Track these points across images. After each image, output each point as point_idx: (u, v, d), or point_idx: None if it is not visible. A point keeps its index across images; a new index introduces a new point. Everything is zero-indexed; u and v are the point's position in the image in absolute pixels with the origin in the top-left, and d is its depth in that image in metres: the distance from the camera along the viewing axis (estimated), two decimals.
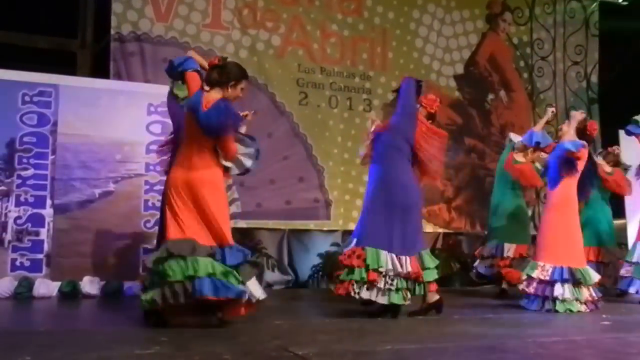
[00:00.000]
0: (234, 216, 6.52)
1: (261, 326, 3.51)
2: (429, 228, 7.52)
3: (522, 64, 8.24)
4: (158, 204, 5.65)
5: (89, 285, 5.33)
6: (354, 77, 7.32)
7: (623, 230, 7.47)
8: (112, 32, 6.30)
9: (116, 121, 5.57)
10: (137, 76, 6.30)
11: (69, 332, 3.34)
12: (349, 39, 7.33)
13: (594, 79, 8.53)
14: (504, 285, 5.58)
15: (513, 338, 3.16)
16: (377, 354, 2.66)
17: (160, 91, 5.77)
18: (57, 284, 5.26)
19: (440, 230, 7.57)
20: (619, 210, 7.21)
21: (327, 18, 7.25)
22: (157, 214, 5.62)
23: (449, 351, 2.62)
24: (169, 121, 5.69)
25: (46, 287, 5.17)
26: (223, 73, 3.55)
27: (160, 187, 5.66)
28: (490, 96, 8.04)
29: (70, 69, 6.60)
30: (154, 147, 5.67)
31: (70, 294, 5.23)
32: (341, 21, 7.30)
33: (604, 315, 4.07)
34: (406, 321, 3.82)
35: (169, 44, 6.52)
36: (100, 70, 6.50)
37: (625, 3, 8.41)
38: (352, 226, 7.12)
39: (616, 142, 7.87)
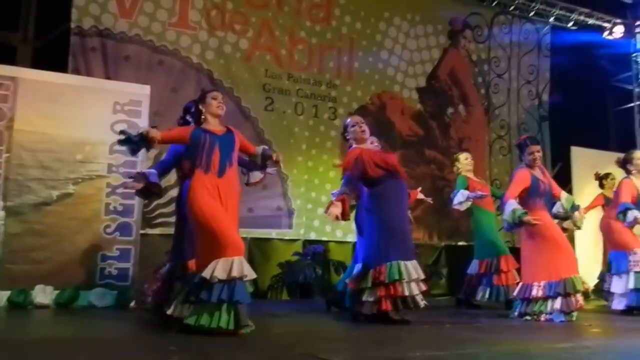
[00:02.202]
0: None
1: (265, 335, 3.36)
2: None
3: (480, 80, 8.50)
4: (120, 208, 5.37)
5: (41, 294, 4.93)
6: (320, 84, 7.28)
7: None
8: (72, 25, 5.97)
9: (79, 119, 5.21)
10: (97, 72, 5.97)
11: (76, 341, 3.11)
12: (317, 46, 7.30)
13: (545, 97, 8.93)
14: None
15: (530, 343, 3.18)
16: None
17: (128, 89, 5.53)
18: (7, 293, 4.83)
19: None
20: None
21: (295, 24, 7.18)
22: (119, 218, 5.35)
23: (482, 356, 2.58)
24: (136, 120, 5.49)
25: None
26: None
27: (123, 190, 5.38)
28: (450, 110, 8.22)
29: (9, 63, 6.21)
30: (118, 147, 5.38)
31: (21, 304, 4.82)
32: (310, 28, 7.27)
33: (587, 324, 4.18)
34: (406, 329, 3.78)
35: (132, 41, 6.24)
36: (41, 65, 6.10)
37: (574, 28, 8.87)
38: (313, 236, 7.08)
39: (565, 157, 8.28)
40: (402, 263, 3.97)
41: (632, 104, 9.32)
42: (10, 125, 5.00)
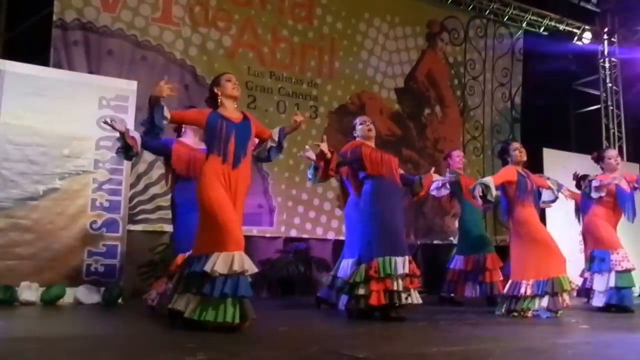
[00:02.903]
0: None
1: (273, 332, 3.36)
2: None
3: (455, 82, 8.72)
4: (106, 204, 5.34)
5: (27, 291, 4.86)
6: (301, 83, 7.35)
7: None
8: (55, 17, 5.87)
9: (65, 113, 5.14)
10: (79, 66, 5.89)
11: (99, 338, 3.08)
12: (299, 45, 7.36)
13: (518, 100, 9.21)
14: None
15: (532, 340, 3.23)
16: (432, 356, 2.60)
17: (114, 85, 5.48)
18: None
19: None
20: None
21: (278, 23, 7.23)
22: (105, 214, 5.31)
23: (495, 353, 2.60)
24: (122, 116, 5.44)
25: None
26: None
27: (110, 186, 5.36)
28: (427, 110, 8.41)
29: None
30: (104, 142, 5.36)
31: (6, 301, 4.73)
32: (292, 27, 7.33)
33: (573, 320, 4.30)
34: (405, 326, 3.84)
35: (115, 35, 6.18)
36: (13, 57, 5.98)
37: (545, 33, 9.20)
38: (294, 233, 7.14)
39: (535, 158, 8.56)
40: (392, 259, 4.07)
41: (598, 106, 9.69)
42: None
